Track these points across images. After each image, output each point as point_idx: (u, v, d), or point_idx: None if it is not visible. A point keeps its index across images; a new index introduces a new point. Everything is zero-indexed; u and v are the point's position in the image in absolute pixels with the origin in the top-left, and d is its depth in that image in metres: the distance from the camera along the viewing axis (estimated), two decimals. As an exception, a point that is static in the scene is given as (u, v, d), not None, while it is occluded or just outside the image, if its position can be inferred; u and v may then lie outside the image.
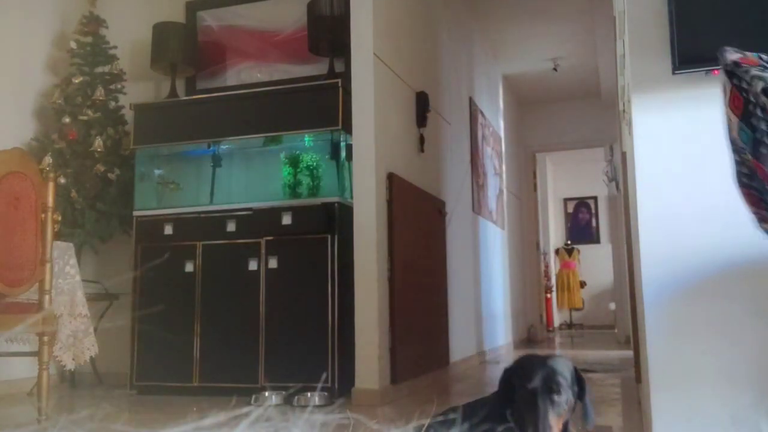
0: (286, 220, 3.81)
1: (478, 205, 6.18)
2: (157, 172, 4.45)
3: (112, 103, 4.58)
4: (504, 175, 7.72)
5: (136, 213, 4.20)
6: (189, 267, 3.99)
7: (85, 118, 4.41)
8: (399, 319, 3.79)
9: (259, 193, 4.20)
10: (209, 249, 3.99)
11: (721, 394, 2.07)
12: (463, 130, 5.90)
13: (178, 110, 4.25)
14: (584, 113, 8.79)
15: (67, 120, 4.41)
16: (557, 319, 12.15)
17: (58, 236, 3.25)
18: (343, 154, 3.99)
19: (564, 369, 1.52)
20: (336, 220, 3.79)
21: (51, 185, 2.93)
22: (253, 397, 3.56)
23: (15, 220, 2.76)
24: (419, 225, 4.34)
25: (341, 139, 3.99)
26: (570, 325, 12.18)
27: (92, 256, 4.58)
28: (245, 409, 0.58)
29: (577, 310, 12.11)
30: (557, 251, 12.13)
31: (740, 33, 2.16)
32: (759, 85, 1.10)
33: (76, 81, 4.48)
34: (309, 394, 3.55)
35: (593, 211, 12.75)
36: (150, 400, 3.76)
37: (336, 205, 3.81)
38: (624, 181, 3.83)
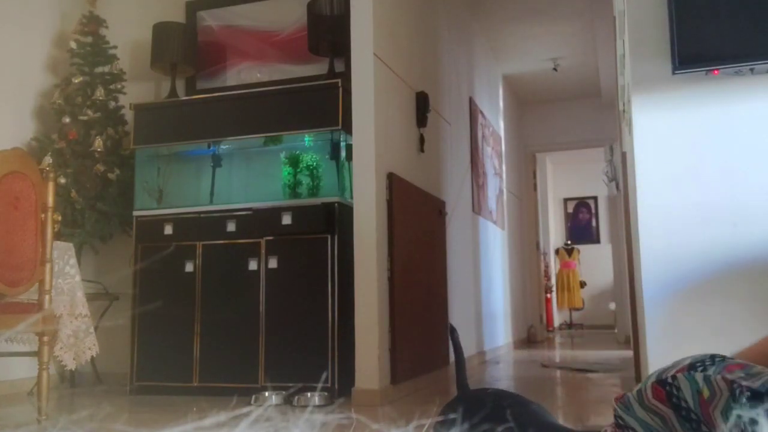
0: (286, 220, 3.81)
1: (478, 205, 6.18)
2: (142, 177, 4.44)
3: (112, 103, 4.58)
4: (504, 175, 7.71)
5: (136, 213, 4.20)
6: (189, 267, 3.99)
7: (85, 118, 4.41)
8: (399, 319, 3.79)
9: (259, 193, 4.20)
10: (209, 249, 3.99)
11: (721, 394, 2.06)
12: (463, 130, 5.90)
13: (178, 110, 4.25)
14: (584, 113, 8.79)
15: (67, 120, 4.41)
16: (557, 319, 12.15)
17: (58, 236, 3.25)
18: (343, 154, 3.99)
19: None
20: (336, 220, 3.79)
21: (51, 185, 2.93)
22: (253, 397, 3.56)
23: (15, 220, 2.76)
24: (419, 225, 4.34)
25: (341, 139, 3.99)
26: (570, 325, 12.18)
27: (92, 256, 4.58)
28: (245, 409, 0.58)
29: (577, 310, 12.11)
30: (557, 251, 12.13)
31: (740, 33, 2.16)
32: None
33: (76, 81, 4.48)
34: (309, 394, 3.55)
35: (593, 211, 12.76)
36: (150, 400, 3.76)
37: (336, 205, 3.81)
38: (624, 181, 3.83)
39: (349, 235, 3.71)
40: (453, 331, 1.51)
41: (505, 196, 7.68)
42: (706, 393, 0.95)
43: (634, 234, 2.51)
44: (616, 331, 8.89)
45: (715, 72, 2.20)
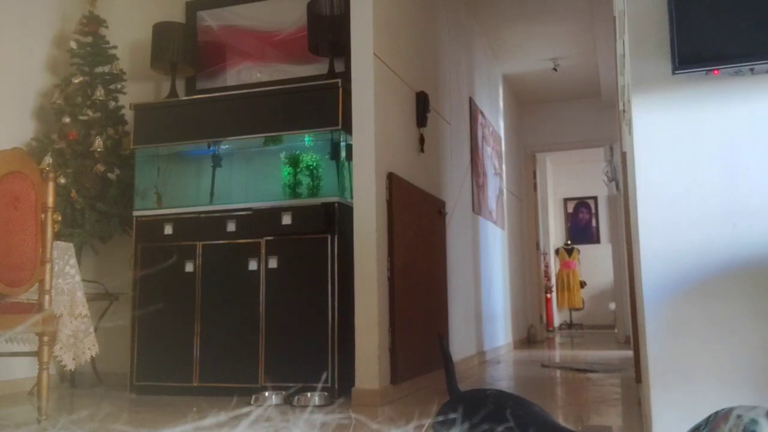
0: (286, 220, 3.81)
1: (478, 205, 6.18)
2: (142, 177, 4.44)
3: (112, 103, 4.58)
4: (504, 175, 7.72)
5: (136, 213, 4.20)
6: (189, 267, 3.99)
7: (85, 118, 4.41)
8: (399, 319, 3.79)
9: (259, 193, 4.20)
10: (209, 249, 3.99)
11: (721, 394, 2.06)
12: (463, 130, 5.90)
13: (178, 110, 4.25)
14: (584, 113, 8.79)
15: (67, 120, 4.41)
16: (557, 319, 12.15)
17: (58, 236, 3.25)
18: (343, 154, 4.00)
19: None
20: (336, 220, 3.79)
21: (51, 185, 2.93)
22: (253, 397, 3.56)
23: (15, 220, 2.76)
24: (419, 225, 4.34)
25: (341, 139, 3.99)
26: (570, 325, 12.18)
27: (92, 256, 4.59)
28: (245, 409, 0.58)
29: (577, 310, 12.11)
30: (557, 251, 12.13)
31: (740, 33, 2.16)
32: None
33: (76, 81, 4.48)
34: (309, 394, 3.55)
35: (593, 211, 12.76)
36: (150, 400, 3.76)
37: (336, 205, 3.81)
38: (624, 181, 3.83)
39: (349, 235, 3.71)
40: (441, 339, 1.54)
41: (505, 196, 7.68)
42: None
43: (634, 234, 2.51)
44: (616, 331, 8.88)
45: (715, 72, 2.20)
